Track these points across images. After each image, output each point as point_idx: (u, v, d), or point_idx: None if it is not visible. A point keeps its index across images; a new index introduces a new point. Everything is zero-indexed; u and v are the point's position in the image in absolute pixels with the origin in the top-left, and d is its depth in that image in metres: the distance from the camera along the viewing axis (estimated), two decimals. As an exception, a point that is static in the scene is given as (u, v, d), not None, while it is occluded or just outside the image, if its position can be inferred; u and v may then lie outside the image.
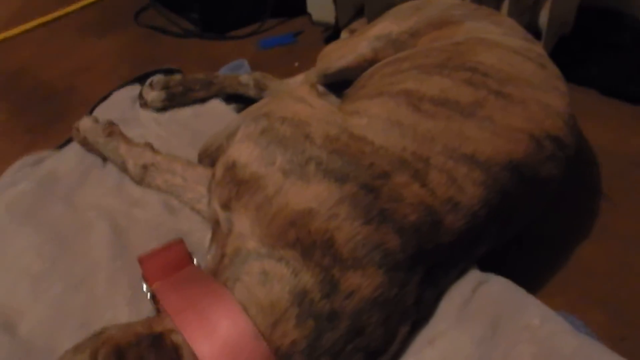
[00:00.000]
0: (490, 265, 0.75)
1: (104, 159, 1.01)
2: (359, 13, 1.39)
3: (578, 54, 1.28)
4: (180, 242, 0.77)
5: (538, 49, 0.92)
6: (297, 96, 0.78)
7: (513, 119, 0.75)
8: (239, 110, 1.16)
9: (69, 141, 1.12)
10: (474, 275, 0.72)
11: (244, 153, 0.69)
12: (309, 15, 1.41)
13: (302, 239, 0.61)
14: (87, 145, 1.02)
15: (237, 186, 0.68)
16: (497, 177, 0.71)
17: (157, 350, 0.54)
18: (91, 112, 1.18)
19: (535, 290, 0.79)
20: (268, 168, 0.66)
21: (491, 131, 0.73)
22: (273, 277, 0.60)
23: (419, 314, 0.67)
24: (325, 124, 0.71)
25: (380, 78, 0.86)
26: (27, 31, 1.65)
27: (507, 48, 0.86)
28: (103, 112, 1.15)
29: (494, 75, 0.79)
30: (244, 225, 0.66)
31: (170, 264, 0.73)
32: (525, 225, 0.80)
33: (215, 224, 0.72)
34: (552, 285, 0.84)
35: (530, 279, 0.80)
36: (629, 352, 0.65)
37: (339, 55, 1.03)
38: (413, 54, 0.88)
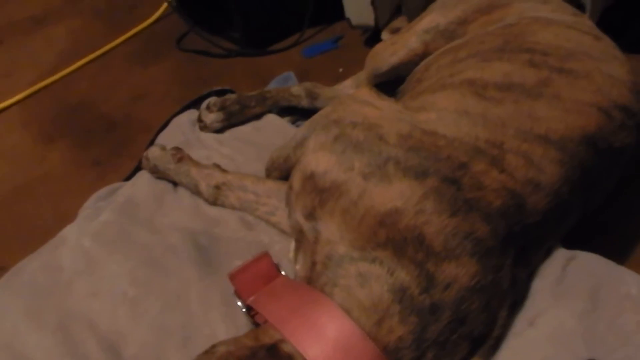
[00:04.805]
0: (574, 241, 0.76)
1: (174, 183, 1.05)
2: (397, 12, 1.39)
3: (624, 22, 1.26)
4: (266, 254, 0.80)
5: (588, 22, 0.92)
6: (361, 100, 0.80)
7: (580, 93, 0.75)
8: (293, 122, 1.19)
9: (135, 171, 1.16)
10: (561, 253, 0.73)
11: (321, 162, 0.71)
12: (348, 19, 1.43)
13: (392, 237, 0.63)
14: (157, 172, 1.06)
15: (319, 195, 0.70)
16: (574, 153, 0.71)
17: (274, 360, 0.56)
18: (153, 140, 1.22)
19: (622, 261, 0.79)
20: (348, 173, 0.68)
21: (561, 108, 0.73)
22: (370, 278, 0.62)
23: (516, 295, 0.68)
24: (395, 123, 0.72)
25: (437, 70, 0.88)
26: (79, 68, 1.71)
27: (560, 24, 0.86)
28: (166, 138, 1.18)
29: (553, 52, 0.79)
30: (331, 232, 0.67)
31: (260, 277, 0.76)
32: (605, 196, 0.80)
33: (300, 234, 0.74)
34: (638, 254, 0.83)
35: (615, 250, 0.80)
36: None
37: (389, 53, 1.05)
38: (467, 42, 0.88)
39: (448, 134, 0.70)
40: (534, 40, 0.81)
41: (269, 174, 0.98)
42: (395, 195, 0.64)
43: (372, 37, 1.46)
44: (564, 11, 0.92)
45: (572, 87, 0.75)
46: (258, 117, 1.19)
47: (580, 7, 1.18)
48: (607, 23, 1.15)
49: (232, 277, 0.78)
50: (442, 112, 0.73)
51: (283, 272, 0.79)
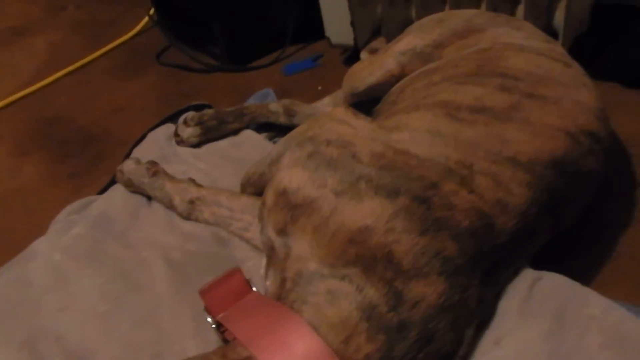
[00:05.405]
0: (542, 262, 0.77)
1: (149, 197, 1.04)
2: (376, 33, 1.42)
3: (595, 50, 1.29)
4: (237, 270, 0.79)
5: (559, 49, 0.94)
6: (336, 118, 0.81)
7: (548, 118, 0.77)
8: (270, 138, 1.20)
9: (109, 185, 1.15)
10: (528, 274, 0.74)
11: (294, 178, 0.72)
12: (328, 38, 1.44)
13: (362, 255, 0.63)
14: (131, 186, 1.05)
15: (291, 211, 0.70)
16: (541, 176, 0.73)
17: (239, 377, 0.56)
18: (129, 153, 1.22)
19: (589, 283, 0.80)
20: (320, 190, 0.69)
21: (529, 132, 0.75)
22: (339, 296, 0.62)
23: (483, 315, 0.69)
24: (369, 142, 0.73)
25: (412, 92, 0.89)
26: (57, 80, 1.71)
27: (532, 51, 0.89)
28: (142, 152, 1.18)
29: (524, 78, 0.81)
30: (302, 248, 0.68)
31: (231, 293, 0.75)
32: (573, 219, 0.81)
33: (271, 250, 0.74)
34: (604, 276, 0.85)
35: (583, 272, 0.81)
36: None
37: (367, 73, 1.06)
38: (442, 65, 0.90)
39: (420, 154, 0.71)
40: (506, 65, 0.83)
41: (244, 189, 0.98)
42: (366, 213, 0.65)
43: (352, 56, 1.48)
44: (537, 38, 0.95)
45: (542, 111, 0.77)
46: (235, 132, 1.19)
47: (554, 34, 1.21)
48: (579, 50, 1.18)
49: (203, 293, 0.77)
50: (415, 132, 0.75)
51: (254, 289, 0.79)
